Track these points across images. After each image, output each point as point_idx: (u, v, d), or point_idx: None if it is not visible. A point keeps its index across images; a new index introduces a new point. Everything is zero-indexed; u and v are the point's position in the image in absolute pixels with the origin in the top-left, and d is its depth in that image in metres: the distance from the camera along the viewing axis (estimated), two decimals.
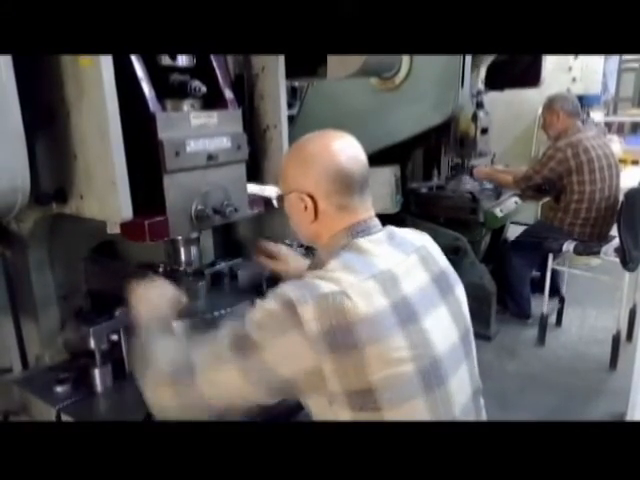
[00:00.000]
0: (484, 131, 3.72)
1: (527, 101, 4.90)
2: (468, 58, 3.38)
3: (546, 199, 4.08)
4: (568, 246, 3.49)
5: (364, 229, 1.19)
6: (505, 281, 3.85)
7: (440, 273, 1.25)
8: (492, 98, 4.06)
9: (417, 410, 1.08)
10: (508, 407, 2.80)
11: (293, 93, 3.70)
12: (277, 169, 1.27)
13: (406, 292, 1.13)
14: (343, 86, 3.44)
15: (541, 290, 3.73)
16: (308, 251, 1.88)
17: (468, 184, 3.95)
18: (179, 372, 1.11)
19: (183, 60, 1.44)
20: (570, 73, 4.97)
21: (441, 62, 3.34)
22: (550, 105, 3.72)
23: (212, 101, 1.50)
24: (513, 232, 4.24)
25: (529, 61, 3.91)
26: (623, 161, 4.93)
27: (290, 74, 1.66)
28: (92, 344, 1.49)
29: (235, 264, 1.89)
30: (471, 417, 1.21)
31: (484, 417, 1.28)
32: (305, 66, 1.71)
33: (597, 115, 5.29)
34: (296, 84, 3.65)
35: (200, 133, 1.41)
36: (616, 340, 3.33)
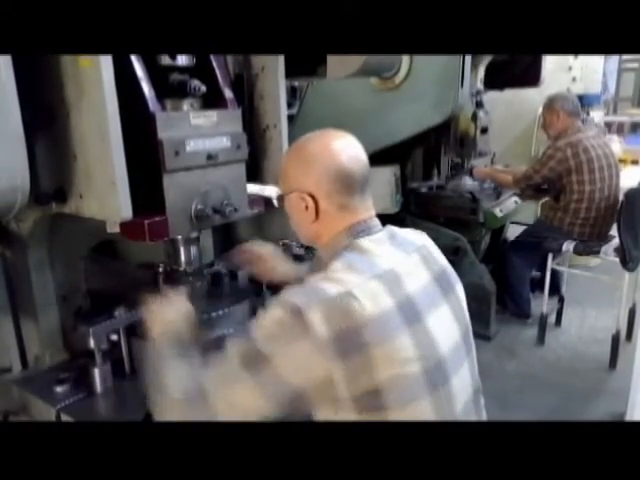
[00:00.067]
0: (484, 131, 3.71)
1: (527, 101, 4.90)
2: (468, 58, 3.38)
3: (546, 199, 4.08)
4: (568, 246, 3.49)
5: (365, 229, 1.19)
6: (505, 281, 3.85)
7: (441, 272, 1.25)
8: (492, 98, 4.06)
9: (422, 410, 1.07)
10: (508, 407, 2.80)
11: (293, 93, 3.69)
12: (277, 169, 1.27)
13: (409, 291, 1.13)
14: (343, 86, 3.44)
15: (542, 289, 3.73)
16: (308, 251, 1.88)
17: (468, 184, 3.95)
18: (192, 400, 1.09)
19: (183, 60, 1.44)
20: (570, 73, 4.97)
21: (441, 62, 3.34)
22: (550, 105, 3.72)
23: (212, 101, 1.50)
24: (513, 232, 4.24)
25: (529, 61, 3.90)
26: (623, 161, 4.92)
27: (290, 74, 1.67)
28: (92, 344, 1.48)
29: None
30: (472, 416, 1.21)
31: (484, 416, 1.28)
32: (305, 66, 1.72)
33: (597, 115, 5.28)
34: (296, 84, 3.65)
35: (200, 133, 1.41)
36: (616, 340, 3.33)
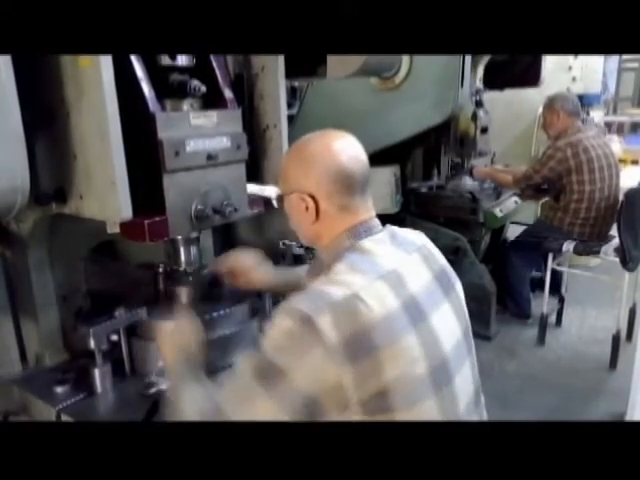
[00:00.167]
0: (484, 130, 3.71)
1: (527, 101, 4.90)
2: (468, 58, 3.38)
3: (546, 199, 4.08)
4: (568, 246, 3.49)
5: (366, 229, 1.18)
6: (505, 281, 3.85)
7: (441, 271, 1.26)
8: (492, 98, 4.06)
9: (427, 410, 1.07)
10: (508, 407, 2.79)
11: (293, 93, 3.69)
12: (277, 169, 1.27)
13: (413, 291, 1.13)
14: (343, 86, 3.44)
15: (542, 289, 3.72)
16: (308, 251, 1.88)
17: (468, 184, 3.95)
18: (210, 420, 1.08)
19: (183, 60, 1.44)
20: (570, 73, 4.97)
21: (441, 62, 3.34)
22: (550, 104, 3.72)
23: (212, 101, 1.50)
24: (513, 232, 4.24)
25: (529, 61, 3.91)
26: (623, 161, 4.92)
27: (290, 74, 1.67)
28: (92, 344, 1.48)
29: None
30: (473, 415, 1.22)
31: (485, 415, 1.28)
32: (305, 66, 1.72)
33: (597, 115, 5.28)
34: (296, 84, 3.65)
35: (200, 133, 1.41)
36: (616, 340, 3.33)
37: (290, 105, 3.45)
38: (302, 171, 1.18)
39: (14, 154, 1.19)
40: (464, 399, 1.17)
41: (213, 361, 1.43)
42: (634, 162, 5.48)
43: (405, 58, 3.38)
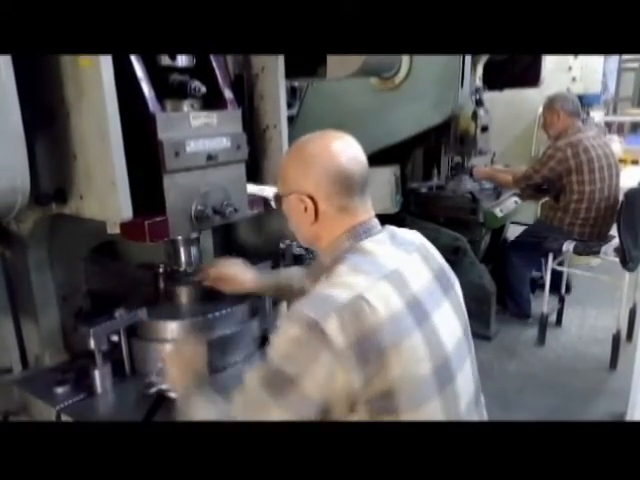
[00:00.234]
0: (484, 129, 3.71)
1: (527, 101, 4.90)
2: (468, 58, 3.38)
3: (546, 199, 4.08)
4: (568, 246, 3.49)
5: (366, 230, 1.18)
6: (505, 281, 3.85)
7: (440, 270, 1.26)
8: (492, 98, 4.06)
9: (432, 411, 1.08)
10: (508, 407, 2.80)
11: (293, 93, 3.70)
12: (277, 169, 1.27)
13: (415, 291, 1.13)
14: (343, 86, 3.44)
15: (543, 289, 3.72)
16: (308, 251, 1.88)
17: (468, 184, 3.95)
18: None
19: (183, 60, 1.44)
20: (570, 73, 4.97)
21: (441, 62, 3.34)
22: (550, 104, 3.72)
23: (212, 101, 1.50)
24: (513, 232, 4.24)
25: (529, 61, 3.91)
26: (623, 161, 4.93)
27: (290, 74, 1.67)
28: (92, 345, 1.48)
29: None
30: (474, 415, 1.22)
31: (485, 415, 1.29)
32: (305, 66, 1.72)
33: (597, 115, 5.28)
34: (296, 84, 3.65)
35: (200, 133, 1.41)
36: (616, 340, 3.33)
37: (290, 105, 3.45)
38: (301, 172, 1.17)
39: (14, 154, 1.18)
40: (465, 398, 1.17)
41: (213, 361, 1.43)
42: (634, 162, 5.48)
43: (405, 58, 3.38)
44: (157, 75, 1.37)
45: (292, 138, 1.33)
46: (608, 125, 6.38)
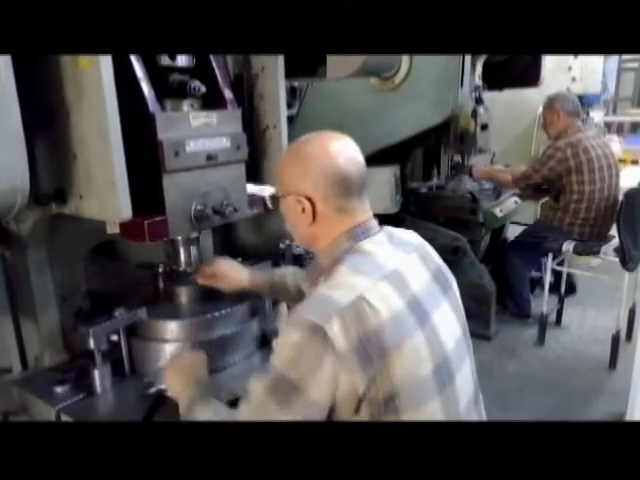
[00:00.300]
0: (484, 127, 3.70)
1: (527, 101, 4.90)
2: (468, 58, 3.38)
3: (545, 199, 4.08)
4: (567, 246, 3.49)
5: (365, 231, 1.18)
6: (505, 281, 3.85)
7: (438, 270, 1.26)
8: (492, 98, 4.06)
9: (432, 411, 1.08)
10: (508, 407, 2.80)
11: (292, 93, 3.69)
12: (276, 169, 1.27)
13: (415, 291, 1.13)
14: (343, 86, 3.44)
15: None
16: (308, 252, 1.88)
17: (468, 184, 3.95)
18: None
19: (182, 60, 1.44)
20: (570, 73, 4.98)
21: (441, 62, 3.34)
22: (550, 104, 3.72)
23: (212, 101, 1.50)
24: (513, 232, 4.24)
25: (529, 61, 3.91)
26: (623, 161, 4.93)
27: (290, 74, 1.66)
28: (92, 344, 1.48)
29: None
30: (473, 414, 1.22)
31: (484, 414, 1.29)
32: (305, 66, 1.71)
33: (597, 115, 5.28)
34: (295, 84, 3.65)
35: (200, 133, 1.41)
36: (616, 340, 3.33)
37: (290, 105, 3.45)
38: (299, 173, 1.17)
39: (14, 154, 1.18)
40: (465, 398, 1.17)
41: (213, 361, 1.43)
42: (634, 162, 5.49)
43: (405, 58, 3.38)
44: (157, 75, 1.37)
45: (292, 138, 1.33)
46: (608, 125, 6.39)
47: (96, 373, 1.52)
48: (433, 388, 1.08)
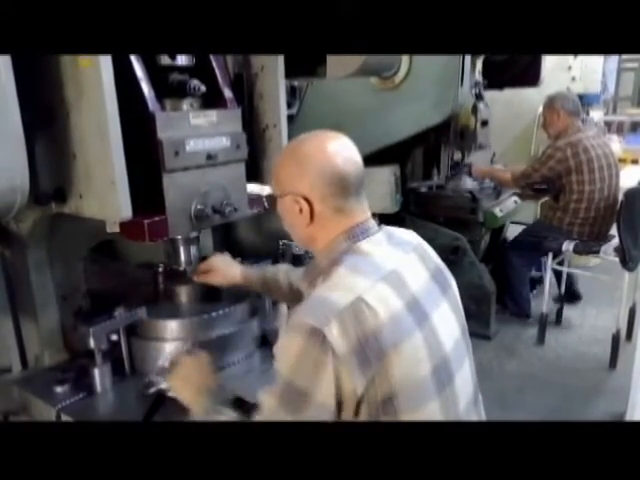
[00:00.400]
0: (484, 123, 3.69)
1: (526, 100, 4.90)
2: (468, 58, 3.37)
3: (545, 198, 4.08)
4: (567, 245, 3.49)
5: (363, 231, 1.17)
6: (505, 280, 3.85)
7: (437, 270, 1.26)
8: (491, 97, 4.05)
9: (431, 412, 1.08)
10: (508, 407, 2.79)
11: (292, 92, 3.69)
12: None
13: (414, 291, 1.13)
14: (343, 86, 3.44)
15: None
16: (308, 251, 1.88)
17: (468, 184, 3.95)
18: None
19: (182, 59, 1.44)
20: (570, 72, 4.98)
21: (440, 61, 3.34)
22: (551, 104, 3.72)
23: (211, 100, 1.50)
24: (513, 232, 4.24)
25: (528, 60, 3.90)
26: (622, 160, 4.92)
27: (289, 74, 1.66)
28: (92, 344, 1.48)
29: None
30: (472, 414, 1.22)
31: (483, 414, 1.28)
32: (304, 66, 1.71)
33: (596, 114, 5.28)
34: (295, 83, 3.64)
35: (199, 132, 1.41)
36: (616, 339, 3.33)
37: (290, 105, 3.44)
38: (296, 173, 1.16)
39: (14, 154, 1.18)
40: (464, 399, 1.17)
41: (213, 361, 1.43)
42: (634, 162, 5.48)
43: (405, 58, 3.38)
44: (157, 74, 1.37)
45: (292, 137, 1.33)
46: (608, 125, 6.38)
47: (96, 373, 1.52)
48: (432, 389, 1.07)
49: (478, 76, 3.73)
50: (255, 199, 1.65)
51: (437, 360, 1.09)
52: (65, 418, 1.43)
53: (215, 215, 1.47)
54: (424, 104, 3.42)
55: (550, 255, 3.58)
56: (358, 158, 1.19)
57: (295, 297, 1.42)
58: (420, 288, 1.15)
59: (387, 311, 1.04)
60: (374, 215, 1.24)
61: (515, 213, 4.03)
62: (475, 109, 3.60)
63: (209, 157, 1.42)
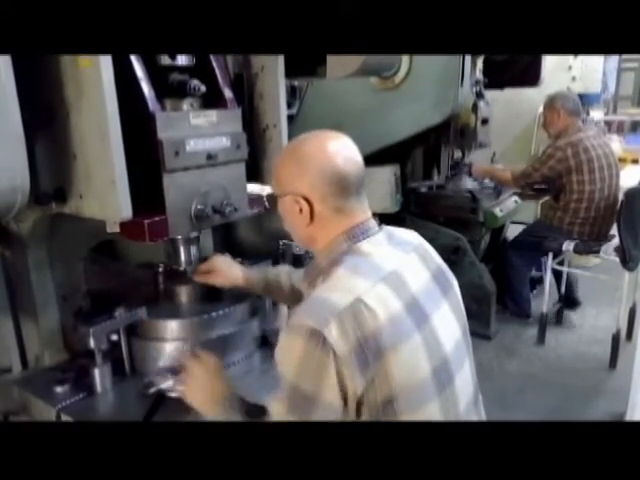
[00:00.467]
0: (484, 121, 3.69)
1: (527, 100, 4.90)
2: (468, 58, 3.37)
3: (546, 198, 4.08)
4: (568, 245, 3.49)
5: (363, 231, 1.17)
6: (505, 280, 3.85)
7: (438, 270, 1.25)
8: (492, 97, 4.05)
9: (431, 412, 1.08)
10: (508, 407, 2.79)
11: (292, 92, 3.69)
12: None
13: (414, 292, 1.12)
14: (343, 85, 3.44)
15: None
16: (308, 252, 1.88)
17: (468, 183, 3.94)
18: None
19: (182, 59, 1.44)
20: (570, 72, 4.98)
21: (441, 61, 3.34)
22: (551, 103, 3.72)
23: (211, 100, 1.50)
24: (513, 232, 4.24)
25: (529, 60, 3.90)
26: (623, 160, 4.92)
27: (289, 73, 1.66)
28: (92, 344, 1.48)
29: None
30: (472, 415, 1.22)
31: (483, 414, 1.28)
32: (304, 66, 1.71)
33: (597, 114, 5.28)
34: (295, 83, 3.64)
35: (200, 132, 1.41)
36: (616, 339, 3.33)
37: (290, 105, 3.44)
38: (296, 173, 1.16)
39: (14, 154, 1.18)
40: (464, 399, 1.17)
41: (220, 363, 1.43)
42: (634, 161, 5.48)
43: (405, 58, 3.38)
44: (157, 74, 1.37)
45: (292, 137, 1.33)
46: (608, 124, 6.38)
47: (96, 373, 1.52)
48: (432, 390, 1.07)
49: (479, 74, 3.72)
50: (255, 199, 1.65)
51: (437, 361, 1.09)
52: (65, 418, 1.43)
53: (215, 215, 1.47)
54: (424, 104, 3.42)
55: (550, 255, 3.58)
56: (359, 158, 1.19)
57: (297, 299, 1.41)
58: (420, 289, 1.15)
59: (386, 312, 1.04)
60: (374, 215, 1.24)
61: (515, 213, 4.03)
62: (475, 107, 3.59)
63: (209, 157, 1.42)
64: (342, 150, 1.16)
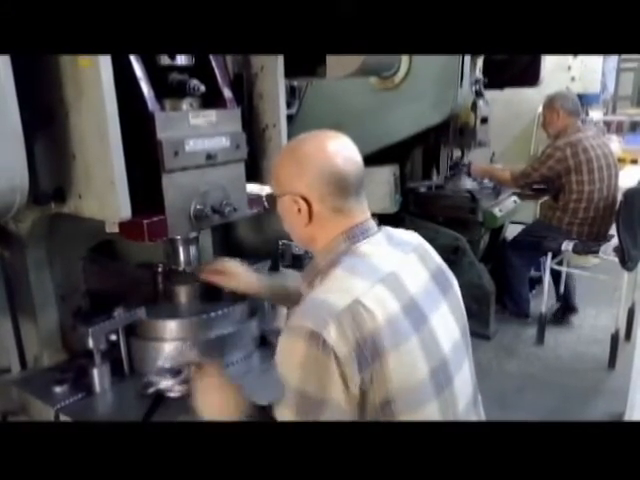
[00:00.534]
0: (484, 120, 3.69)
1: (526, 100, 4.90)
2: (467, 58, 3.38)
3: (545, 198, 4.08)
4: (567, 245, 3.49)
5: (362, 232, 1.17)
6: (504, 280, 3.85)
7: (438, 270, 1.25)
8: (491, 97, 4.05)
9: (430, 413, 1.07)
10: (507, 407, 2.80)
11: (292, 92, 3.69)
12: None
13: (412, 292, 1.12)
14: (342, 85, 3.44)
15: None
16: (307, 252, 1.88)
17: (467, 183, 3.94)
18: None
19: (182, 59, 1.44)
20: (569, 72, 4.98)
21: (440, 61, 3.34)
22: (550, 103, 3.72)
23: (211, 100, 1.50)
24: (512, 231, 4.24)
25: (528, 60, 3.90)
26: (622, 160, 4.92)
27: (289, 73, 1.66)
28: (91, 344, 1.48)
29: None
30: (472, 415, 1.22)
31: (482, 415, 1.28)
32: (304, 65, 1.71)
33: (596, 114, 5.29)
34: (295, 83, 3.64)
35: (199, 132, 1.41)
36: (615, 339, 3.33)
37: (289, 105, 3.44)
38: (295, 173, 1.16)
39: (13, 154, 1.18)
40: (463, 400, 1.17)
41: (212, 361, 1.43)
42: (633, 161, 5.48)
43: (404, 58, 3.38)
44: (156, 74, 1.37)
45: (291, 137, 1.32)
46: (607, 124, 6.39)
47: (95, 373, 1.51)
48: (430, 391, 1.07)
49: (479, 74, 3.72)
50: (255, 199, 1.65)
51: (435, 362, 1.09)
52: (64, 418, 1.43)
53: (215, 215, 1.47)
54: (424, 104, 3.42)
55: (549, 255, 3.58)
56: (358, 158, 1.18)
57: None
58: (419, 290, 1.14)
59: (384, 314, 1.04)
60: (373, 215, 1.23)
61: (514, 213, 4.03)
62: (475, 106, 3.59)
63: (209, 157, 1.42)
64: (341, 150, 1.16)
